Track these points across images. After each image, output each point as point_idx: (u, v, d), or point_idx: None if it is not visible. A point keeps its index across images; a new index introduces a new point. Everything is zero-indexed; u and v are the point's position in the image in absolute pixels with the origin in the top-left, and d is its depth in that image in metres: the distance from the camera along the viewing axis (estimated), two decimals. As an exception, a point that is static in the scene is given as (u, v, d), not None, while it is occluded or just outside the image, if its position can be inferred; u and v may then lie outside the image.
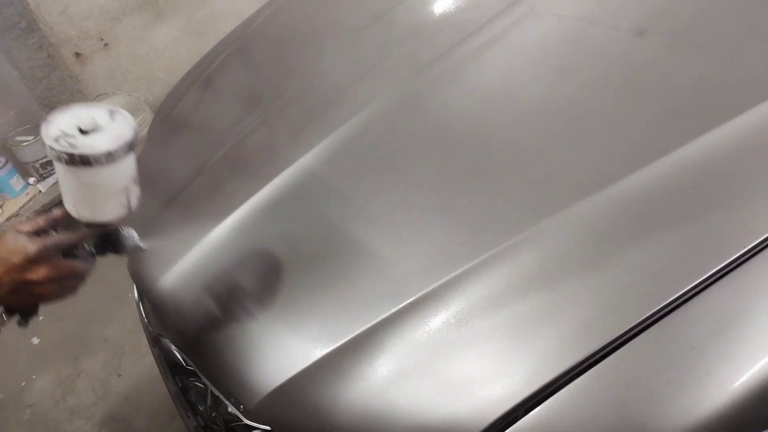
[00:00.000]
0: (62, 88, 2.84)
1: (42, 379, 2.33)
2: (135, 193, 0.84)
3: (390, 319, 0.87)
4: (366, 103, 1.22)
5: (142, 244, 0.92)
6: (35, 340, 2.48)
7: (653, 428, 0.72)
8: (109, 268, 2.70)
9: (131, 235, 0.91)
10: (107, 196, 0.81)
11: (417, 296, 0.87)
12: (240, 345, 0.94)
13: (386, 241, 0.97)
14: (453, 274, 0.88)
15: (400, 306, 0.87)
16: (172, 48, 3.12)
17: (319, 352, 0.88)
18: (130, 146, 0.77)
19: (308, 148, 1.16)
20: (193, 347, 1.03)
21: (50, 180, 2.77)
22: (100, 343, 2.39)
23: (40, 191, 2.75)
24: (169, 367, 1.30)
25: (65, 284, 0.82)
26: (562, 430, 0.74)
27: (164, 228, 1.19)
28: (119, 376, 2.26)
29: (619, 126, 0.99)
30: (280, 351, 0.91)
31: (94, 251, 0.89)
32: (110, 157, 0.75)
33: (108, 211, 0.82)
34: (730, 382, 0.72)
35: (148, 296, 1.12)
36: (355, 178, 1.09)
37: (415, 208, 1.00)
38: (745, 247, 0.78)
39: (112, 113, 0.80)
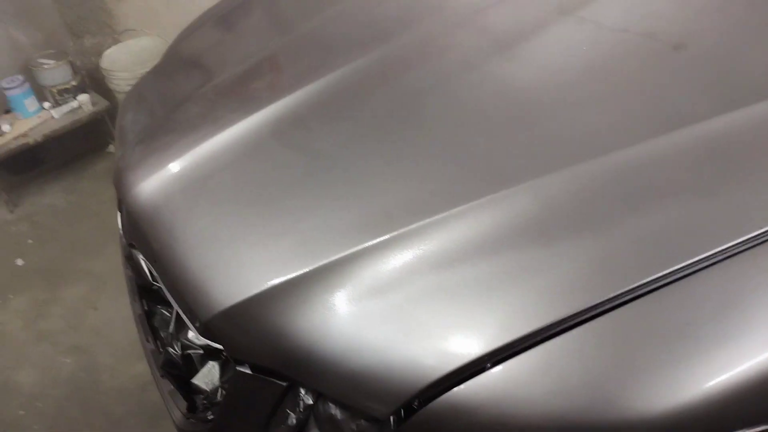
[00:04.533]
0: (93, 19, 2.82)
1: (18, 299, 2.29)
2: None
3: (367, 250, 0.81)
4: (375, 46, 1.17)
5: None
6: (19, 261, 2.45)
7: (627, 408, 0.65)
8: (109, 205, 2.66)
9: None
10: None
11: (399, 231, 0.81)
12: (204, 258, 0.89)
13: (375, 173, 0.91)
14: (442, 215, 0.82)
15: (380, 239, 0.81)
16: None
17: (285, 274, 0.82)
18: None
19: (309, 81, 1.11)
20: (160, 258, 0.97)
21: (65, 108, 2.74)
22: (83, 274, 2.35)
23: (52, 117, 2.72)
24: (138, 287, 1.25)
25: None
26: (527, 391, 0.68)
27: (154, 137, 1.14)
28: (95, 309, 2.21)
29: (637, 94, 0.93)
30: (245, 268, 0.85)
31: None
32: None
33: None
34: (721, 371, 0.66)
35: (125, 203, 1.07)
36: (352, 112, 1.04)
37: (414, 144, 0.94)
38: (755, 231, 0.71)
39: None
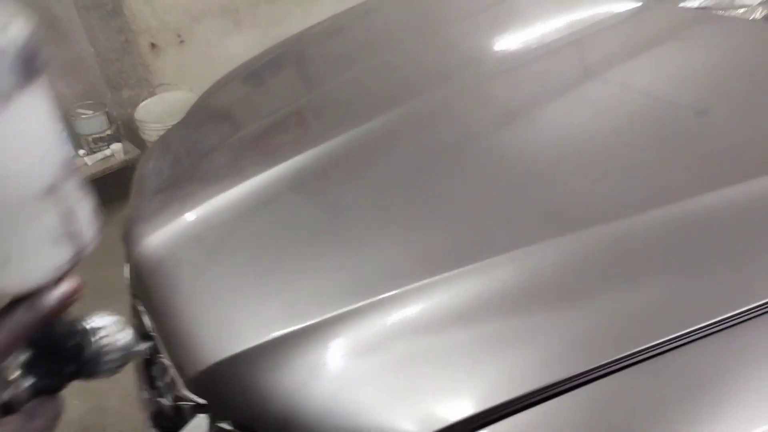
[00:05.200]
0: (131, 74, 2.97)
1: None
2: (85, 215, 0.39)
3: (350, 314, 0.83)
4: (380, 115, 1.22)
5: (134, 345, 0.44)
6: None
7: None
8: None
9: (110, 327, 0.43)
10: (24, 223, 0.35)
11: (383, 296, 0.83)
12: (196, 314, 0.92)
13: (365, 238, 0.94)
14: (425, 281, 0.83)
15: (364, 303, 0.83)
16: (243, 55, 3.21)
17: (270, 333, 0.84)
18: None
19: (314, 145, 1.16)
20: (156, 310, 1.00)
21: (98, 155, 2.87)
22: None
23: (86, 163, 2.84)
24: (141, 336, 1.28)
25: None
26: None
27: (172, 188, 1.19)
28: (108, 352, 2.25)
29: (630, 169, 0.94)
30: (234, 326, 0.88)
31: (36, 381, 0.39)
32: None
33: (36, 262, 0.37)
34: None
35: (131, 256, 1.11)
36: (351, 177, 1.07)
37: (404, 211, 0.97)
38: (730, 312, 0.71)
39: None
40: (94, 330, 0.42)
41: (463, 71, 1.32)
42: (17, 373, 0.38)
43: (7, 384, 0.38)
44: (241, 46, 3.25)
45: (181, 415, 1.11)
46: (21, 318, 0.36)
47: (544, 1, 1.48)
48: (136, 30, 2.89)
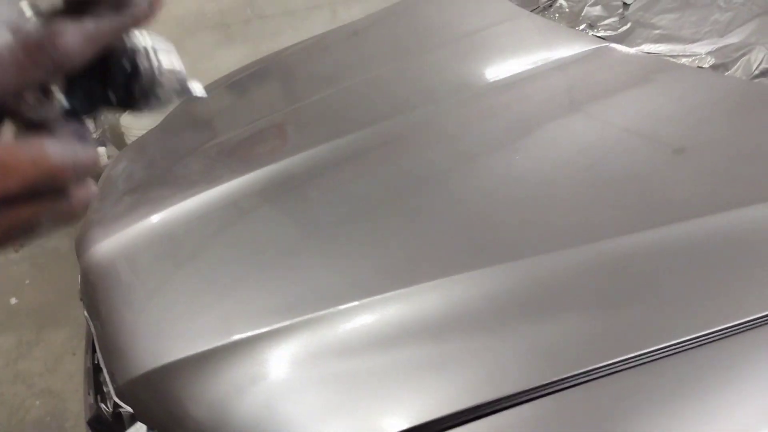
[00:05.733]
0: (121, 79, 3.02)
1: (3, 338, 2.36)
2: None
3: (280, 330, 0.85)
4: (352, 131, 1.26)
5: (190, 85, 0.39)
6: (13, 300, 2.53)
7: None
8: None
9: (171, 53, 0.37)
10: None
11: (312, 315, 0.86)
12: (132, 322, 0.94)
13: (302, 258, 0.97)
14: (355, 303, 0.86)
15: (294, 321, 0.86)
16: (233, 69, 3.29)
17: (198, 347, 0.86)
18: None
19: (277, 159, 1.19)
20: (98, 316, 1.03)
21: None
22: (70, 320, 2.41)
23: (69, 165, 2.88)
24: (88, 343, 1.30)
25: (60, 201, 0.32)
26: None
27: (131, 197, 1.22)
28: (73, 354, 2.26)
29: (561, 207, 0.97)
30: (164, 337, 0.90)
31: (77, 102, 0.33)
32: None
33: None
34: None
35: (80, 261, 1.14)
36: (296, 197, 1.11)
37: (344, 233, 1.00)
38: (643, 350, 0.74)
39: None
40: (156, 51, 0.35)
41: (426, 104, 1.36)
42: (57, 92, 0.32)
43: (44, 103, 0.32)
44: (232, 60, 3.29)
45: (121, 422, 1.14)
46: (106, 20, 0.32)
47: (509, 36, 1.53)
48: (128, 38, 2.94)
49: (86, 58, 0.31)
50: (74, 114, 0.33)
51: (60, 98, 0.32)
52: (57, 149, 0.29)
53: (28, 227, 0.32)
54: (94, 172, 0.32)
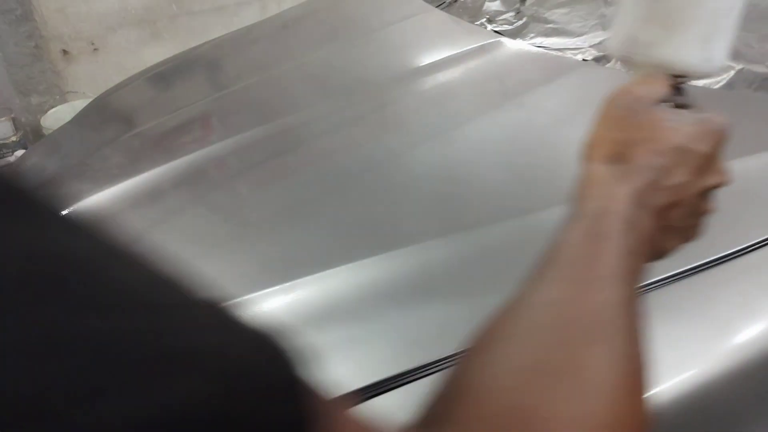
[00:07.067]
0: (41, 80, 2.93)
1: None
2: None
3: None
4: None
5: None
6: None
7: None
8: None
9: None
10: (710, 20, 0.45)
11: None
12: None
13: (220, 243, 0.97)
14: (266, 290, 0.86)
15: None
16: (160, 68, 3.24)
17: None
18: None
19: (203, 147, 1.19)
20: None
21: (1, 162, 2.81)
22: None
23: (-12, 169, 2.78)
24: None
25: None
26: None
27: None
28: None
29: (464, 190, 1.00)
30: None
31: None
32: None
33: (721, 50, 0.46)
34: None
35: None
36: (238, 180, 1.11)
37: (264, 216, 1.01)
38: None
39: None
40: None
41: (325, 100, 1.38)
42: None
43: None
44: (158, 57, 3.23)
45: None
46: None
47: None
48: (47, 36, 2.86)
49: None
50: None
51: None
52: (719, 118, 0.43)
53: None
54: None
